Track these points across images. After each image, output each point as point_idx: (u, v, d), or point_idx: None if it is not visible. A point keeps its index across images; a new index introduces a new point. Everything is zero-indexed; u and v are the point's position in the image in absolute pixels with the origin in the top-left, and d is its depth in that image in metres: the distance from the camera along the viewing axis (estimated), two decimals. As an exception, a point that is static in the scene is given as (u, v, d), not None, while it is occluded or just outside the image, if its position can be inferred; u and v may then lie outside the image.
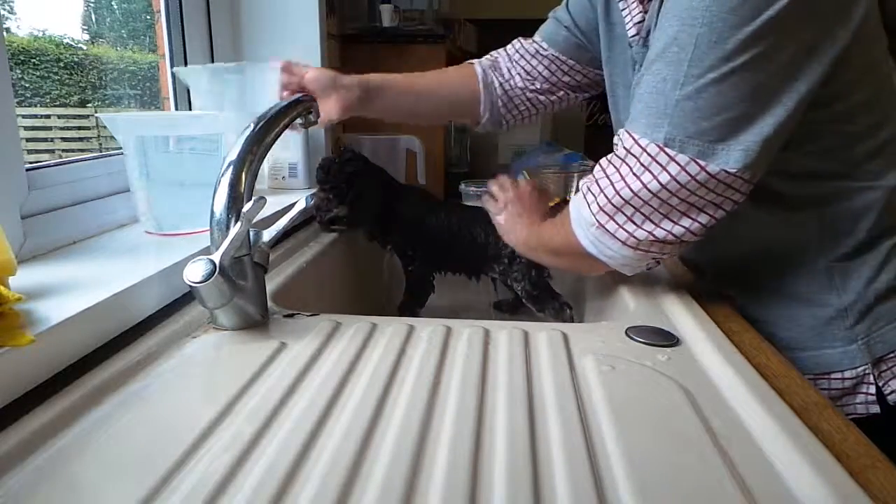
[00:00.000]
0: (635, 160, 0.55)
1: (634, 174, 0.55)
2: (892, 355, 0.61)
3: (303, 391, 0.44)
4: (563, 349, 0.52)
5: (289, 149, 1.11)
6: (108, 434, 0.38)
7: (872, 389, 0.61)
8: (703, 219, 0.55)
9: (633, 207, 0.55)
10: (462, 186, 1.26)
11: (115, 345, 0.50)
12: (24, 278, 0.53)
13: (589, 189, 0.59)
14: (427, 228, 0.89)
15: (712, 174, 0.52)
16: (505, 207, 0.75)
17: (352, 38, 1.39)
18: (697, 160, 0.52)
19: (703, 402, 0.43)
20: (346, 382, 0.46)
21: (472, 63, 0.91)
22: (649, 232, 0.56)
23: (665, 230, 0.56)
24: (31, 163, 0.70)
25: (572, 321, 0.85)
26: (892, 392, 0.61)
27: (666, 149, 0.53)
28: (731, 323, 0.59)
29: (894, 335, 0.61)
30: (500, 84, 0.89)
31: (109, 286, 0.52)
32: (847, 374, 0.62)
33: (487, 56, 0.92)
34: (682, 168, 0.52)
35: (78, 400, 0.42)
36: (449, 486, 0.33)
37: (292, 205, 0.65)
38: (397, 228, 0.91)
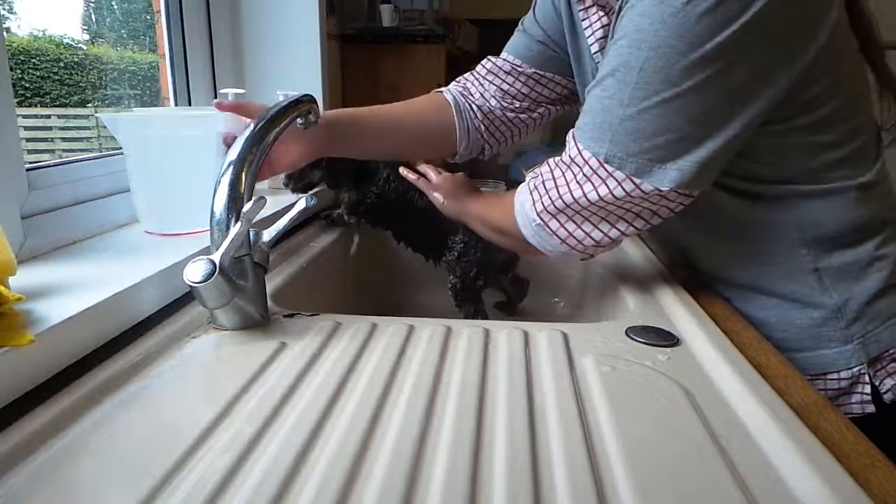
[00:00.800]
0: (578, 169, 0.57)
1: (577, 182, 0.57)
2: (886, 354, 0.62)
3: (303, 391, 0.44)
4: (563, 349, 0.52)
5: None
6: (108, 434, 0.38)
7: (868, 389, 0.62)
8: (639, 223, 0.59)
9: (574, 211, 0.59)
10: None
11: (115, 345, 0.50)
12: (24, 278, 0.53)
13: (535, 188, 0.61)
14: (398, 197, 0.90)
15: (646, 192, 0.55)
16: (442, 184, 0.79)
17: (352, 38, 1.39)
18: (633, 178, 0.54)
19: (703, 401, 0.43)
20: (346, 382, 0.46)
21: (440, 91, 0.87)
22: (587, 233, 0.60)
23: (602, 232, 0.59)
24: (31, 163, 0.70)
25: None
26: (887, 391, 0.61)
27: (605, 164, 0.55)
28: (731, 323, 0.59)
29: (889, 335, 0.61)
30: (478, 108, 0.84)
31: (109, 286, 0.52)
32: (843, 374, 0.62)
33: (455, 82, 0.88)
34: (619, 183, 0.55)
35: (78, 400, 0.42)
36: (449, 486, 0.33)
37: (292, 205, 0.65)
38: (370, 188, 0.92)
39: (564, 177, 0.59)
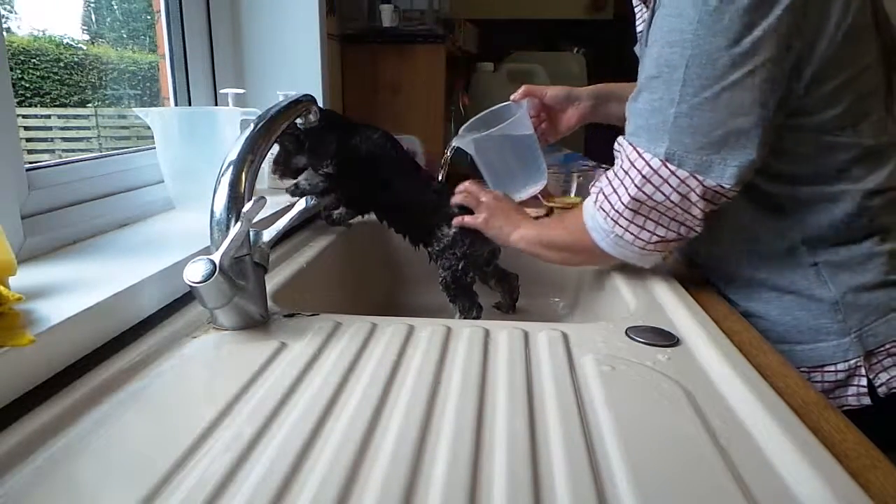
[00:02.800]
0: (637, 173, 0.60)
1: (637, 186, 0.60)
2: (882, 349, 0.63)
3: (303, 391, 0.44)
4: (563, 349, 0.52)
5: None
6: (108, 434, 0.38)
7: (864, 382, 0.63)
8: (697, 222, 0.61)
9: (643, 216, 0.62)
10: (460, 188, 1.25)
11: (115, 345, 0.50)
12: (24, 278, 0.53)
13: (605, 198, 0.64)
14: (383, 182, 0.88)
15: (709, 188, 0.58)
16: (487, 207, 0.79)
17: (352, 38, 1.39)
18: (696, 175, 0.57)
19: (703, 402, 0.43)
20: (346, 382, 0.46)
21: None
22: (661, 237, 0.62)
23: (674, 232, 0.62)
24: (31, 163, 0.70)
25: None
26: (881, 384, 0.62)
27: (667, 163, 0.58)
28: (731, 323, 0.59)
29: (885, 329, 0.62)
30: None
31: (109, 286, 0.52)
32: (840, 366, 0.63)
33: None
34: (682, 181, 0.58)
35: (78, 400, 0.42)
36: (449, 486, 0.33)
37: (292, 205, 0.65)
38: (353, 166, 0.89)
39: (623, 183, 0.61)
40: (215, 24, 1.10)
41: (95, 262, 0.61)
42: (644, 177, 0.59)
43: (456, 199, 0.83)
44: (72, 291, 0.51)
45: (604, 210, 0.64)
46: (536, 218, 0.82)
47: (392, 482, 0.34)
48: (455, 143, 0.84)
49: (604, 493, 0.33)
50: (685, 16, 0.55)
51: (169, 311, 0.58)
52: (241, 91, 1.02)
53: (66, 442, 0.37)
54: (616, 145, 0.64)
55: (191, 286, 0.50)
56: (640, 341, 0.54)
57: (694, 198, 0.59)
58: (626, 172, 0.61)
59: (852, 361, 0.63)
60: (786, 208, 0.64)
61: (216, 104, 1.10)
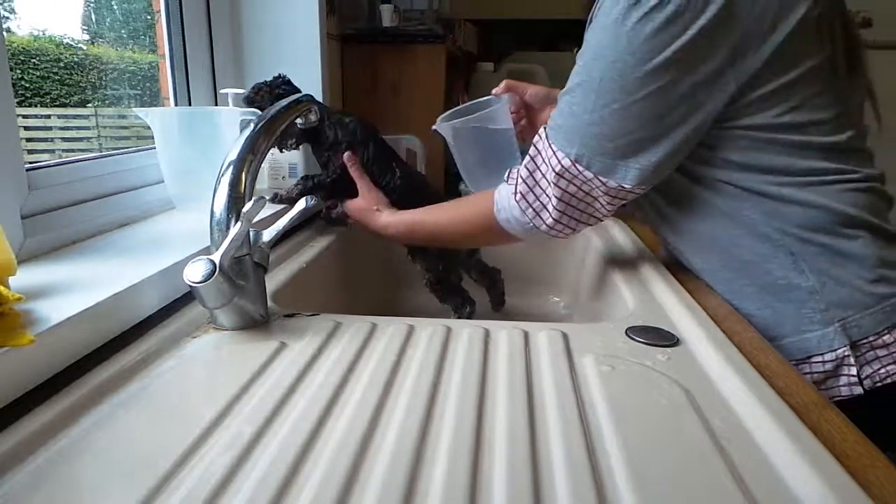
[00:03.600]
0: (551, 170, 0.65)
1: (554, 183, 0.65)
2: (865, 342, 0.63)
3: (303, 391, 0.44)
4: (563, 349, 0.52)
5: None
6: (108, 434, 0.38)
7: (854, 371, 0.63)
8: (605, 210, 0.67)
9: (552, 205, 0.67)
10: (462, 187, 1.26)
11: (115, 345, 0.50)
12: (24, 278, 0.53)
13: (529, 191, 0.68)
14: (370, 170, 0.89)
15: (611, 188, 0.63)
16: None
17: (352, 38, 1.39)
18: (600, 177, 0.63)
19: (703, 402, 0.43)
20: (346, 382, 0.46)
21: None
22: (567, 224, 0.68)
23: (583, 222, 0.68)
24: (31, 163, 0.70)
25: (470, 318, 0.85)
26: (866, 377, 0.63)
27: (576, 164, 0.63)
28: (731, 323, 0.59)
29: (868, 322, 0.63)
30: None
31: (109, 286, 0.52)
32: (827, 356, 0.64)
33: None
34: (587, 181, 0.63)
35: (78, 400, 0.42)
36: (449, 486, 0.33)
37: (292, 205, 0.65)
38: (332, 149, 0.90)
39: (542, 173, 0.66)
40: (215, 24, 1.10)
41: (95, 262, 0.61)
42: (557, 173, 0.64)
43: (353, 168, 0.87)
44: (72, 291, 0.51)
45: (527, 202, 0.68)
46: None
47: (392, 482, 0.34)
48: (435, 127, 0.84)
49: (604, 492, 0.33)
50: (608, 30, 0.59)
51: (169, 311, 0.58)
52: (241, 91, 1.02)
53: (66, 442, 0.37)
54: (538, 134, 0.68)
55: (191, 286, 0.50)
56: (640, 341, 0.54)
57: (598, 194, 0.64)
58: (544, 170, 0.66)
59: (839, 351, 0.63)
60: (755, 200, 0.65)
61: (216, 104, 1.10)
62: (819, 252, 0.63)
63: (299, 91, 0.91)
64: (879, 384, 0.62)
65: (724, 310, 0.63)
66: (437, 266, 0.87)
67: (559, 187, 0.65)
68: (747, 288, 0.67)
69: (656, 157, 0.61)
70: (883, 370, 0.62)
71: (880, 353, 0.63)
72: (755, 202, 0.64)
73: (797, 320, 0.65)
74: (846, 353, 0.63)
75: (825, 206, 0.62)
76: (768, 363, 0.51)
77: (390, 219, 0.84)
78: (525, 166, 0.68)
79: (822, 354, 0.64)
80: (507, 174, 0.72)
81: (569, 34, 2.43)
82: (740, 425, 0.41)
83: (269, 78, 0.91)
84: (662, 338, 0.54)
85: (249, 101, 0.90)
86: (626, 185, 0.62)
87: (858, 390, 0.63)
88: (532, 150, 0.68)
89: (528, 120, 0.88)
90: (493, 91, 0.85)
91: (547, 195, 0.66)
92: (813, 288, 0.64)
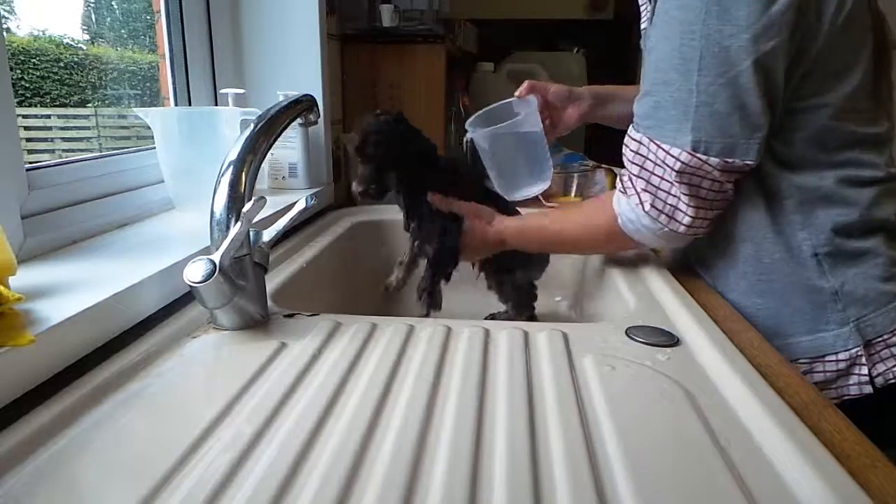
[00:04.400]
0: (668, 169, 0.62)
1: (671, 181, 0.63)
2: (880, 340, 0.64)
3: (303, 391, 0.44)
4: (563, 349, 0.52)
5: (289, 149, 1.11)
6: (108, 434, 0.38)
7: (865, 371, 0.64)
8: (731, 191, 0.64)
9: (685, 204, 0.63)
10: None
11: (115, 345, 0.50)
12: (24, 278, 0.53)
13: (642, 201, 0.66)
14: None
15: (736, 167, 0.61)
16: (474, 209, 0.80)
17: (352, 38, 1.39)
18: (725, 159, 0.60)
19: (704, 401, 0.43)
20: (346, 382, 0.46)
21: None
22: (704, 218, 0.65)
23: (714, 211, 0.65)
24: (31, 163, 0.70)
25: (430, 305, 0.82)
26: (878, 375, 0.64)
27: (696, 154, 0.61)
28: (731, 323, 0.59)
29: (882, 320, 0.64)
30: None
31: (109, 286, 0.52)
32: (841, 355, 0.65)
33: None
34: (714, 168, 0.61)
35: (78, 400, 0.42)
36: (449, 486, 0.33)
37: (292, 205, 0.65)
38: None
39: (652, 182, 0.64)
40: (215, 24, 1.10)
41: (95, 262, 0.61)
42: (678, 171, 0.62)
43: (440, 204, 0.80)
44: (72, 291, 0.51)
45: (657, 209, 0.65)
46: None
47: (392, 482, 0.34)
48: (470, 135, 0.82)
49: (604, 492, 0.33)
50: (692, 8, 0.58)
51: (169, 311, 0.58)
52: (241, 91, 1.02)
53: (66, 442, 0.37)
54: (630, 142, 0.66)
55: (191, 286, 0.50)
56: (640, 341, 0.54)
57: (724, 178, 0.62)
58: (660, 172, 0.63)
59: (853, 350, 0.64)
60: (786, 198, 0.65)
61: (216, 104, 1.10)
62: (842, 254, 0.64)
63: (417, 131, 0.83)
64: (893, 381, 0.63)
65: (724, 310, 0.63)
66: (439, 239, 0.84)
67: (686, 184, 0.62)
68: (767, 286, 0.68)
69: (766, 129, 0.60)
70: None
71: (895, 350, 0.64)
72: (793, 200, 0.65)
73: (815, 320, 0.66)
74: (859, 353, 0.64)
75: (856, 205, 0.64)
76: (768, 363, 0.51)
77: (501, 226, 0.79)
78: (637, 176, 0.66)
79: (836, 353, 0.65)
80: (618, 183, 0.69)
81: (569, 34, 2.43)
82: (740, 425, 0.41)
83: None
84: (662, 338, 0.54)
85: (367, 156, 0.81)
86: (750, 162, 0.61)
87: (868, 389, 0.64)
88: (634, 158, 0.66)
89: (550, 120, 0.88)
90: (516, 93, 0.84)
91: (674, 196, 0.64)
92: (833, 289, 0.64)
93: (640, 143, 0.65)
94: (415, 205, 0.83)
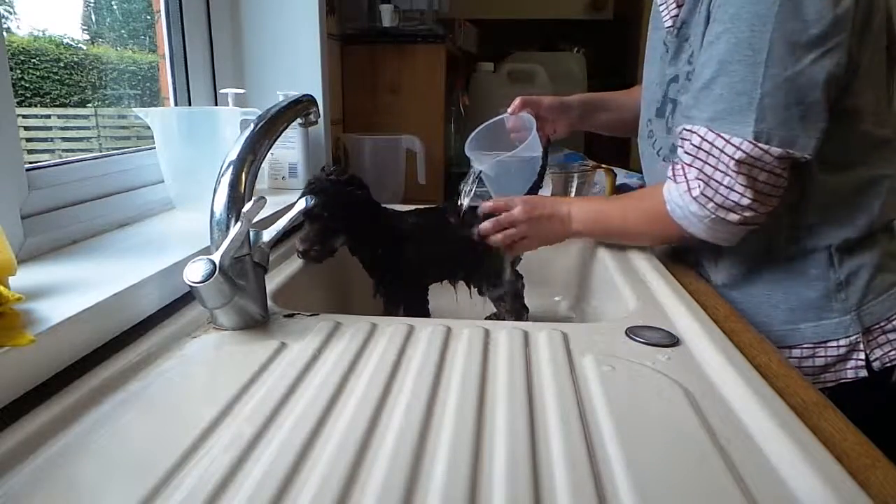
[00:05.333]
0: (728, 158, 0.63)
1: (729, 171, 0.63)
2: (877, 327, 0.68)
3: (303, 391, 0.44)
4: (563, 349, 0.52)
5: (289, 149, 1.11)
6: (108, 434, 0.38)
7: (862, 356, 0.68)
8: (786, 183, 0.64)
9: (741, 194, 0.63)
10: (462, 187, 1.25)
11: (115, 345, 0.50)
12: (24, 278, 0.53)
13: (691, 188, 0.66)
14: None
15: (796, 159, 0.62)
16: (516, 220, 0.76)
17: (352, 38, 1.39)
18: (787, 149, 0.61)
19: (703, 402, 0.43)
20: (346, 382, 0.46)
21: None
22: (757, 212, 0.65)
23: (768, 205, 0.65)
24: (31, 163, 0.70)
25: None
26: (875, 359, 0.67)
27: (758, 143, 0.61)
28: (731, 323, 0.59)
29: (880, 308, 0.67)
30: None
31: (109, 286, 0.52)
32: (842, 342, 0.68)
33: None
34: (775, 157, 0.61)
35: (78, 400, 0.42)
36: (449, 486, 0.33)
37: (292, 205, 0.65)
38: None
39: (718, 170, 0.64)
40: (215, 24, 1.10)
41: (95, 262, 0.61)
42: (738, 160, 0.62)
43: (486, 226, 0.76)
44: (72, 291, 0.51)
45: (706, 197, 0.65)
46: None
47: (392, 482, 0.34)
48: (477, 167, 0.82)
49: (604, 492, 0.33)
50: (763, 1, 0.59)
51: (169, 311, 0.58)
52: (241, 91, 1.02)
53: (66, 442, 0.37)
54: (690, 136, 0.66)
55: (191, 286, 0.50)
56: (640, 341, 0.54)
57: (780, 170, 0.63)
58: (714, 162, 0.64)
59: (853, 337, 0.68)
60: (808, 195, 0.68)
61: (216, 104, 1.10)
62: (852, 248, 0.68)
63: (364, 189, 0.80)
64: (889, 365, 0.67)
65: (724, 310, 0.63)
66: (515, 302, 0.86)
67: (745, 175, 0.63)
68: (776, 276, 0.71)
69: (824, 123, 0.61)
70: (893, 353, 0.67)
71: (891, 336, 0.67)
72: (815, 200, 0.67)
73: (821, 308, 0.69)
74: (858, 340, 0.67)
75: (871, 205, 0.67)
76: (768, 363, 0.51)
77: (573, 209, 0.78)
78: (690, 165, 0.66)
79: (837, 340, 0.68)
80: (671, 171, 0.69)
81: (569, 34, 2.43)
82: (740, 425, 0.41)
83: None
84: (662, 338, 0.54)
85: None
86: (808, 156, 0.61)
87: (864, 373, 0.67)
88: (690, 149, 0.66)
89: (542, 131, 0.87)
90: (509, 109, 0.84)
91: (727, 186, 0.64)
92: (839, 279, 0.68)
93: (702, 137, 0.65)
94: (378, 273, 0.82)
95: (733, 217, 0.65)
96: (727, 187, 0.64)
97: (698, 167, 0.66)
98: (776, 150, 0.61)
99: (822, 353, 0.69)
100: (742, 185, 0.63)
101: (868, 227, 0.68)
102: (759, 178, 0.63)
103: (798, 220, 0.69)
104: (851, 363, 0.68)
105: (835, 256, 0.68)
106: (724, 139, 0.63)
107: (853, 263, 0.68)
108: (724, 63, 0.62)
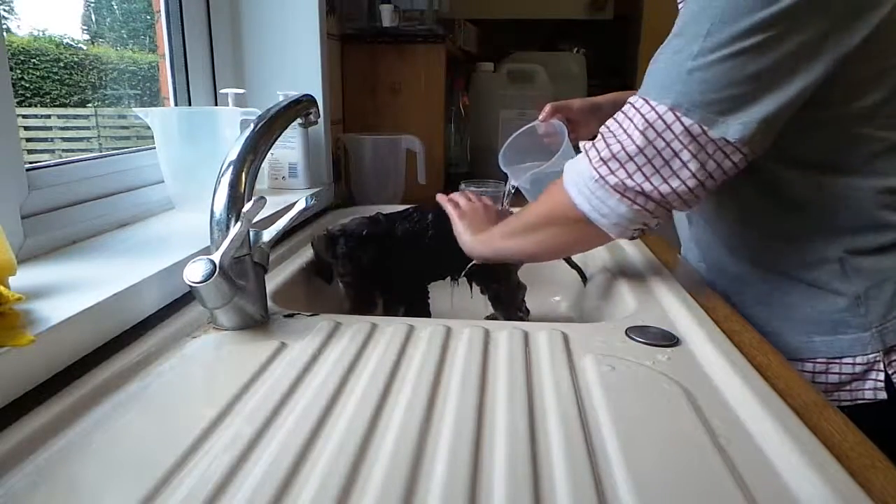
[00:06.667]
0: (641, 117, 0.58)
1: (639, 129, 0.58)
2: None
3: (303, 391, 0.44)
4: (563, 349, 0.52)
5: (289, 149, 1.11)
6: (108, 434, 0.38)
7: (882, 376, 0.63)
8: (692, 182, 0.58)
9: (628, 156, 0.58)
10: (462, 186, 1.26)
11: (115, 345, 0.50)
12: (24, 278, 0.53)
13: (593, 146, 0.61)
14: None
15: (713, 138, 0.56)
16: (468, 211, 0.79)
17: (352, 38, 1.39)
18: (701, 124, 0.56)
19: (703, 402, 0.43)
20: (346, 382, 0.46)
21: None
22: (638, 183, 0.59)
23: (653, 185, 0.58)
24: (31, 163, 0.70)
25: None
26: None
27: (674, 109, 0.57)
28: (731, 323, 0.59)
29: None
30: None
31: (109, 286, 0.52)
32: (858, 359, 0.64)
33: None
34: (686, 128, 0.56)
35: (78, 400, 0.42)
36: (449, 486, 0.33)
37: (292, 205, 0.65)
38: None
39: (622, 126, 0.59)
40: (215, 24, 1.10)
41: (95, 262, 0.61)
42: (647, 121, 0.57)
43: (441, 200, 0.83)
44: (72, 291, 0.51)
45: (594, 150, 0.60)
46: None
47: (392, 482, 0.34)
48: (514, 182, 0.83)
49: (603, 492, 0.33)
50: None
51: (169, 311, 0.58)
52: (241, 91, 1.02)
53: (66, 442, 0.37)
54: (628, 102, 0.62)
55: (191, 286, 0.50)
56: (640, 341, 0.54)
57: (694, 148, 0.57)
58: (629, 118, 0.59)
59: (871, 356, 0.63)
60: (812, 201, 0.64)
61: (216, 104, 1.10)
62: (867, 259, 0.63)
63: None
64: None
65: (724, 310, 0.63)
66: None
67: (643, 136, 0.57)
68: (790, 286, 0.67)
69: (759, 115, 0.56)
70: None
71: None
72: (819, 207, 0.64)
73: (835, 322, 0.65)
74: (878, 359, 0.63)
75: (879, 206, 0.62)
76: (768, 363, 0.51)
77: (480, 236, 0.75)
78: (607, 127, 0.62)
79: (853, 357, 0.64)
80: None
81: (569, 34, 2.43)
82: (740, 425, 0.41)
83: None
84: (662, 338, 0.54)
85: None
86: (729, 138, 0.56)
87: (883, 395, 0.63)
88: (609, 122, 0.62)
89: (575, 134, 0.85)
90: (540, 117, 0.82)
91: (618, 141, 0.59)
92: (856, 293, 0.64)
93: (630, 104, 0.61)
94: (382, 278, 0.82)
95: (612, 179, 0.59)
96: (619, 142, 0.59)
97: (609, 125, 0.61)
98: (686, 120, 0.56)
99: (837, 370, 0.65)
100: (637, 144, 0.57)
101: (884, 235, 0.63)
102: (658, 145, 0.57)
103: (801, 224, 0.66)
104: (870, 383, 0.64)
105: (847, 267, 0.64)
106: (645, 100, 0.59)
107: (874, 276, 0.63)
108: (671, 36, 0.59)
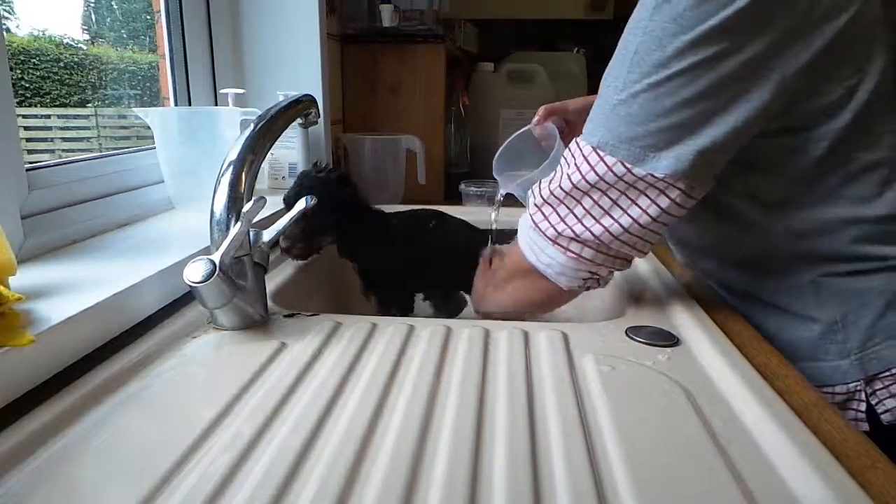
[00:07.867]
0: (573, 159, 0.56)
1: (566, 174, 0.55)
2: (887, 374, 0.58)
3: (303, 391, 0.44)
4: (563, 349, 0.52)
5: (289, 149, 1.11)
6: (108, 434, 0.38)
7: (863, 407, 0.59)
8: (625, 221, 0.54)
9: (558, 199, 0.56)
10: (462, 186, 1.26)
11: (115, 345, 0.50)
12: (24, 278, 0.53)
13: (538, 189, 0.59)
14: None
15: (639, 176, 0.52)
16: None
17: (352, 38, 1.39)
18: (624, 162, 0.52)
19: (703, 402, 0.43)
20: (346, 382, 0.46)
21: None
22: (570, 226, 0.56)
23: (584, 227, 0.55)
24: (31, 163, 0.70)
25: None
26: (886, 411, 0.58)
27: (597, 150, 0.53)
28: (731, 323, 0.59)
29: (890, 353, 0.58)
30: None
31: (109, 286, 0.52)
32: (838, 388, 0.60)
33: None
34: (609, 168, 0.53)
35: (78, 400, 0.42)
36: (449, 486, 0.33)
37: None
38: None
39: (562, 166, 0.57)
40: (215, 24, 1.10)
41: (95, 262, 0.61)
42: (576, 163, 0.55)
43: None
44: (72, 291, 0.51)
45: (536, 193, 0.59)
46: None
47: (392, 482, 0.34)
48: (505, 190, 0.81)
49: (604, 492, 0.33)
50: (646, 3, 0.51)
51: (169, 311, 0.58)
52: (241, 91, 1.02)
53: (66, 442, 0.37)
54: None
55: (191, 286, 0.50)
56: (640, 341, 0.54)
57: (622, 187, 0.53)
58: (566, 160, 0.57)
59: (852, 385, 0.60)
60: (778, 233, 0.60)
61: (216, 104, 1.10)
62: (844, 282, 0.59)
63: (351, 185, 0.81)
64: None
65: (724, 310, 0.63)
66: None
67: (570, 180, 0.55)
68: (764, 311, 0.64)
69: (695, 147, 0.51)
70: None
71: None
72: (782, 235, 0.60)
73: (813, 348, 0.61)
74: (858, 388, 0.59)
75: (857, 232, 0.57)
76: (768, 363, 0.51)
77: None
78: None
79: (832, 386, 0.60)
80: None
81: (569, 34, 2.43)
82: (740, 425, 0.41)
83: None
84: (662, 338, 0.54)
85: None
86: (656, 174, 0.51)
87: (864, 426, 0.59)
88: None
89: (571, 134, 0.80)
90: (533, 121, 0.80)
91: (550, 182, 0.57)
92: (833, 320, 0.60)
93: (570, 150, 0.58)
94: (368, 273, 0.82)
95: (544, 225, 0.57)
96: (556, 184, 0.56)
97: (556, 170, 0.59)
98: (610, 160, 0.52)
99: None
100: (565, 187, 0.55)
101: (861, 260, 0.58)
102: (582, 187, 0.54)
103: (768, 253, 0.62)
104: (850, 413, 0.60)
105: (821, 293, 0.60)
106: (577, 143, 0.56)
107: (851, 300, 0.59)
108: (609, 67, 0.55)
